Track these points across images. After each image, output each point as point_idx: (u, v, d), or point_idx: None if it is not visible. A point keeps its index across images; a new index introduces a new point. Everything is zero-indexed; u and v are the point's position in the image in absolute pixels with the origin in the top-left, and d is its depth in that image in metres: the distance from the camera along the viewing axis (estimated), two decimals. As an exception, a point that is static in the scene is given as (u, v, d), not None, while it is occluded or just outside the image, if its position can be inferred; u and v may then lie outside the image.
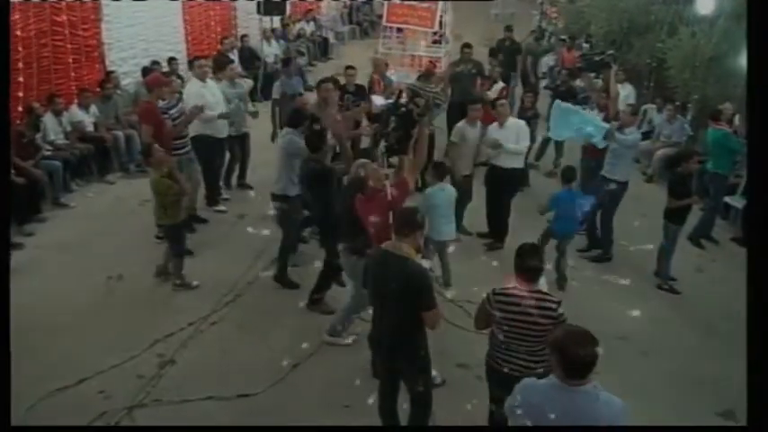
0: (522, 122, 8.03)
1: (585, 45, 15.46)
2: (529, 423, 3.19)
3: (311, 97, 7.46)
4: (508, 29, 13.65)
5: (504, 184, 7.82)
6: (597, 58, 11.45)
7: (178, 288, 6.74)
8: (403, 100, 7.00)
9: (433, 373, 4.97)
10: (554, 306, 3.95)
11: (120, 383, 5.31)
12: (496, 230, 7.93)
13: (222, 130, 8.45)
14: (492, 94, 9.80)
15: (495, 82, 10.27)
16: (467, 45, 11.29)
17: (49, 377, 5.27)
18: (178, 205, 6.56)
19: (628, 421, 3.11)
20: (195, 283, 6.80)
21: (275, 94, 9.15)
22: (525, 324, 3.95)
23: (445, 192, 6.79)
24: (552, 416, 3.05)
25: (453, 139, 7.94)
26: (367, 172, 5.23)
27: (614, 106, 8.06)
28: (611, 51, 12.85)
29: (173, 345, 5.84)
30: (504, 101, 8.15)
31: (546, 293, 4.03)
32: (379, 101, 7.64)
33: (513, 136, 7.62)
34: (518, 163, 7.88)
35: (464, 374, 5.56)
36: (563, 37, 16.00)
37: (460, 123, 7.96)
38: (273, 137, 8.91)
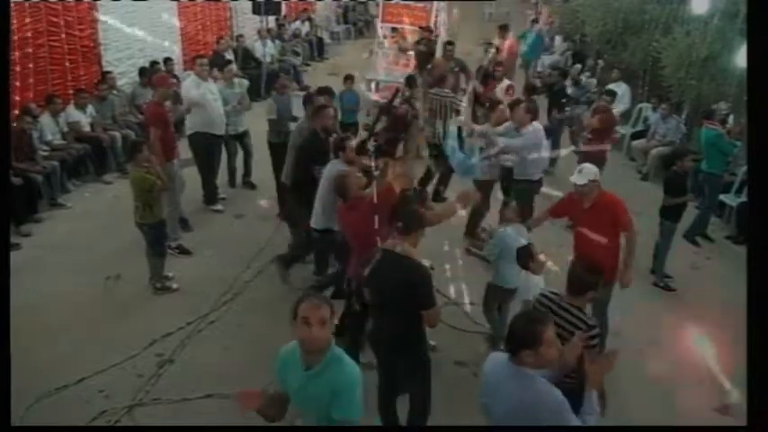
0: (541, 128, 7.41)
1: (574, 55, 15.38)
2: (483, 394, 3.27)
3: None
4: (424, 29, 12.52)
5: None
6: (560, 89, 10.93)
7: (159, 292, 6.71)
8: (397, 101, 6.73)
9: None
10: (586, 327, 3.87)
11: (119, 383, 5.32)
12: None
13: (220, 127, 8.46)
14: (498, 92, 9.63)
15: (500, 80, 9.95)
16: (449, 42, 11.27)
17: (49, 377, 5.28)
18: (161, 202, 6.53)
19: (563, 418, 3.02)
20: (175, 285, 6.79)
21: (271, 114, 8.25)
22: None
23: (518, 233, 5.80)
24: (493, 387, 3.16)
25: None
26: (349, 180, 5.11)
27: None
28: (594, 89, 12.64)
29: (172, 344, 5.86)
30: (523, 104, 7.47)
31: (584, 313, 3.99)
32: (372, 97, 7.47)
33: (529, 143, 7.12)
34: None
35: (460, 371, 5.61)
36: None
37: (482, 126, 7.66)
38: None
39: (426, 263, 4.34)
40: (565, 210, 5.92)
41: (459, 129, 7.32)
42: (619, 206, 5.45)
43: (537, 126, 7.19)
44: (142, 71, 11.08)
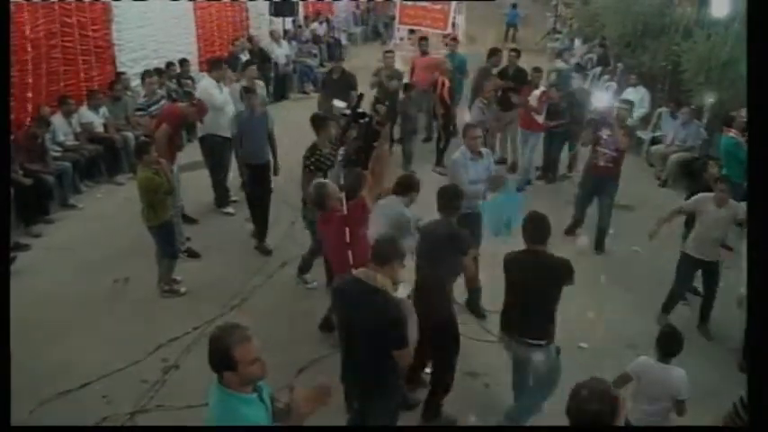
0: None
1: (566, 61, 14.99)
2: None
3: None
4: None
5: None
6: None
7: (167, 295, 6.65)
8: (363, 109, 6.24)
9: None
10: None
11: (123, 388, 5.27)
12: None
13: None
14: (532, 100, 9.46)
15: (536, 87, 9.65)
16: (514, 50, 10.89)
17: (53, 380, 5.24)
18: (166, 203, 6.47)
19: None
20: (183, 289, 6.73)
21: (233, 128, 7.77)
22: None
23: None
24: None
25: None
26: (326, 191, 4.89)
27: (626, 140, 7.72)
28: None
29: (177, 349, 5.79)
30: None
31: None
32: (339, 104, 7.18)
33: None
34: None
35: (472, 383, 5.50)
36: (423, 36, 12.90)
37: (700, 196, 6.60)
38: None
39: (403, 293, 3.98)
40: None
41: None
42: None
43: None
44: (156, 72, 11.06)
